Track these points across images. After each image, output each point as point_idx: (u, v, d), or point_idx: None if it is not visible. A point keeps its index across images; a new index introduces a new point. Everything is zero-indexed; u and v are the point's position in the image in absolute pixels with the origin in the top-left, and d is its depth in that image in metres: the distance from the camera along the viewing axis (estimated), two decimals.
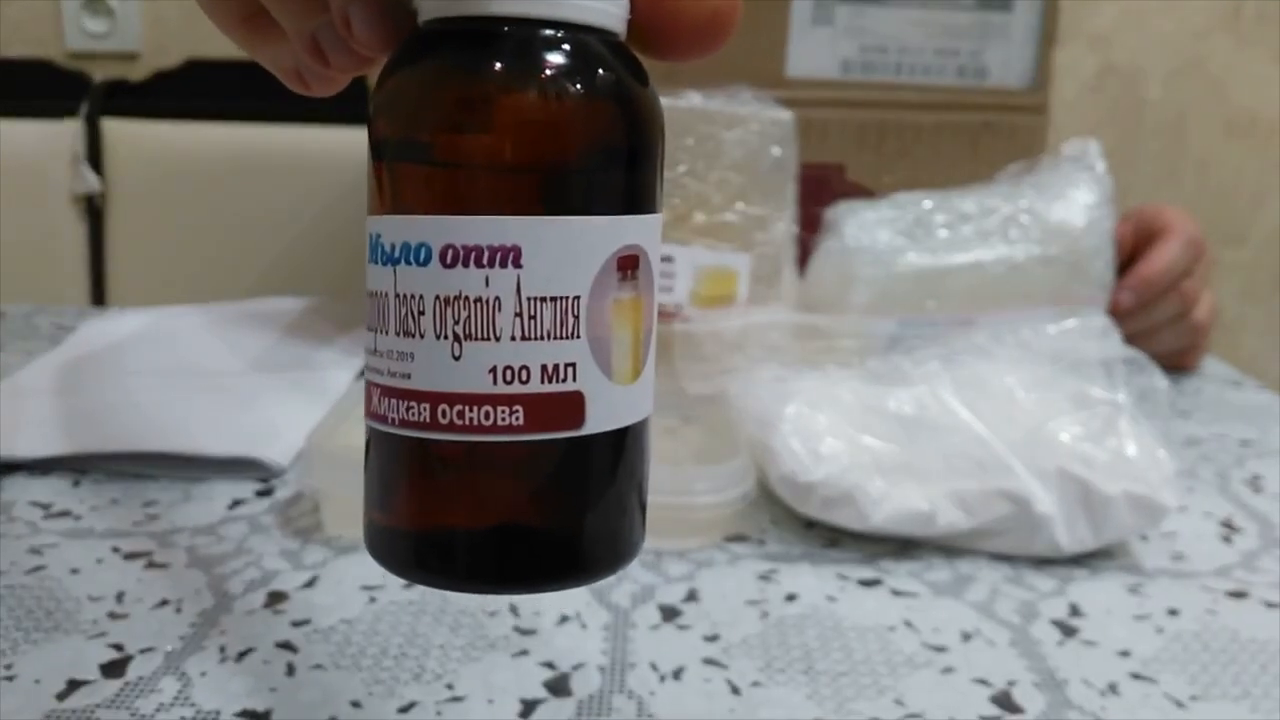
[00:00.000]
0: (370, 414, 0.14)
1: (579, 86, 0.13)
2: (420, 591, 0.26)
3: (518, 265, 0.13)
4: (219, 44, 0.70)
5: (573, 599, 0.26)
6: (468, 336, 0.13)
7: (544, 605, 0.25)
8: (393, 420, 0.13)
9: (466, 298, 0.13)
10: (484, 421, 0.13)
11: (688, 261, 0.36)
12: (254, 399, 0.37)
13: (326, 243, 0.63)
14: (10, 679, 0.22)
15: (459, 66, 0.13)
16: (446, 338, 0.13)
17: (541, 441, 0.13)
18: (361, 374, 0.40)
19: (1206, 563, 0.29)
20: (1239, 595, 0.27)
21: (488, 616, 0.25)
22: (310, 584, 0.26)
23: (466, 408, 0.13)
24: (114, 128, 0.64)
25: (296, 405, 0.36)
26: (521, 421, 0.13)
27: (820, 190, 0.40)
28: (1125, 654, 0.24)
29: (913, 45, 0.40)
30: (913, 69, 0.40)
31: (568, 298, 0.13)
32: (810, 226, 0.38)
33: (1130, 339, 0.32)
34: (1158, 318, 0.41)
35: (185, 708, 0.21)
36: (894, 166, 0.40)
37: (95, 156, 0.64)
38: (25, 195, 0.63)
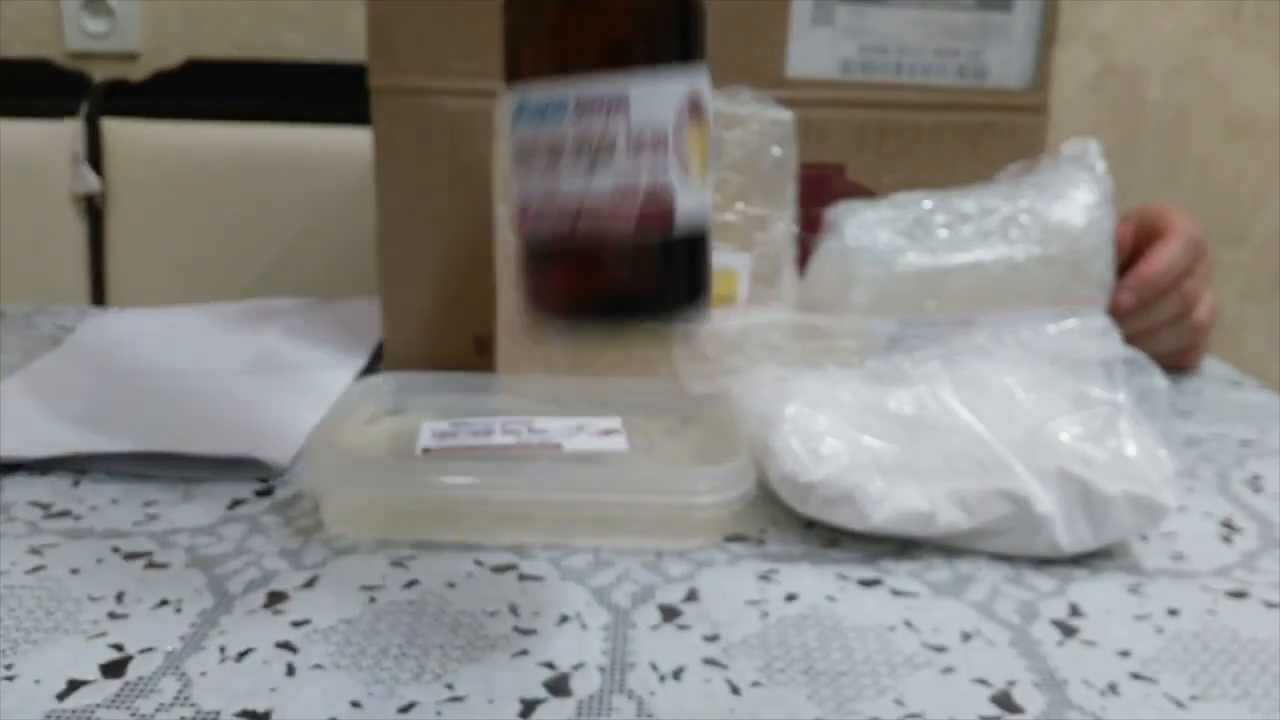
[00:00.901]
0: (530, 226, 0.20)
1: None
2: (420, 592, 0.26)
3: (628, 110, 0.19)
4: (219, 44, 0.71)
5: (573, 600, 0.26)
6: (596, 161, 0.19)
7: (544, 606, 0.25)
8: (544, 228, 0.20)
9: (588, 136, 0.19)
10: (611, 220, 0.19)
11: None
12: (254, 399, 0.37)
13: (326, 243, 0.63)
14: (10, 679, 0.22)
15: None
16: (585, 163, 0.19)
17: (650, 230, 0.19)
18: (361, 374, 0.40)
19: (1206, 563, 0.29)
20: (1239, 595, 0.27)
21: (487, 617, 0.25)
22: (310, 584, 0.26)
23: (598, 213, 0.19)
24: (114, 128, 0.64)
25: (296, 405, 0.36)
26: (633, 218, 0.19)
27: (820, 190, 0.40)
28: (1125, 654, 0.24)
29: (913, 45, 0.39)
30: (913, 69, 0.40)
31: (662, 128, 0.19)
32: (810, 226, 0.38)
33: (1130, 339, 0.32)
34: (1158, 318, 0.41)
35: (185, 708, 0.21)
36: (894, 166, 0.40)
37: (95, 156, 0.64)
38: (25, 195, 0.63)
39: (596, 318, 0.21)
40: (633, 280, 0.20)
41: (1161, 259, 0.40)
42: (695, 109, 0.19)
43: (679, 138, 0.19)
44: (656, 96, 0.19)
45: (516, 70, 0.19)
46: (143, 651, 0.23)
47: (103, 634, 0.24)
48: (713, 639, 0.24)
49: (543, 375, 0.37)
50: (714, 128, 0.20)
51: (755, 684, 0.23)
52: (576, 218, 0.19)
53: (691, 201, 0.19)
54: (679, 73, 0.19)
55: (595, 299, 0.20)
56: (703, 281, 0.21)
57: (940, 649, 0.24)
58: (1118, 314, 0.38)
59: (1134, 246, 0.42)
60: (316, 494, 0.28)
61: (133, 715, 0.21)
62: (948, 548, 0.29)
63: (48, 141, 0.63)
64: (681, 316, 0.21)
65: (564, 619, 0.25)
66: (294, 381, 0.39)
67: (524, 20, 0.19)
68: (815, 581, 0.27)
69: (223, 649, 0.23)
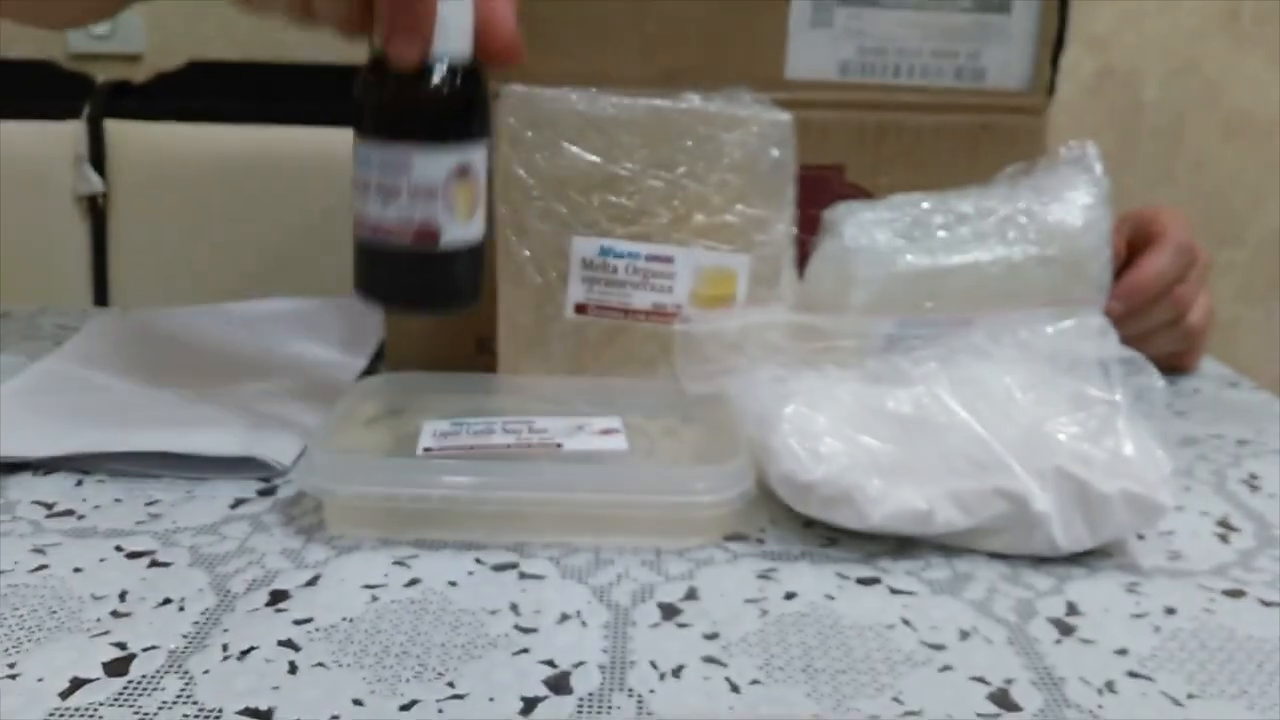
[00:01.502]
0: (355, 230, 0.30)
1: (444, 89, 0.28)
2: (422, 590, 0.26)
3: (410, 169, 0.28)
4: (220, 46, 0.71)
5: (573, 598, 0.26)
6: (389, 199, 0.28)
7: (545, 604, 0.26)
8: (361, 235, 0.30)
9: (386, 183, 0.28)
10: (397, 237, 0.29)
11: (688, 262, 0.36)
12: (256, 399, 0.37)
13: (327, 243, 0.63)
14: (14, 677, 0.22)
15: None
16: (382, 199, 0.29)
17: (420, 249, 0.29)
18: (362, 375, 0.41)
19: (1203, 562, 0.29)
20: (1236, 594, 0.27)
21: (488, 615, 0.25)
22: (312, 583, 0.26)
23: (386, 230, 0.29)
24: (116, 129, 0.64)
25: (298, 405, 0.36)
26: (409, 240, 0.29)
27: (819, 192, 0.40)
28: (1122, 652, 0.24)
29: (911, 47, 0.40)
30: (911, 71, 0.40)
31: (434, 184, 0.28)
32: (809, 228, 0.38)
33: (1126, 343, 0.32)
34: (1150, 324, 0.41)
35: (188, 706, 0.21)
36: (892, 168, 0.40)
37: (98, 157, 0.64)
38: (28, 196, 0.63)
39: (392, 300, 0.30)
40: (411, 278, 0.30)
41: (1151, 267, 0.41)
42: (463, 173, 0.28)
43: (447, 191, 0.28)
44: (430, 163, 0.28)
45: (355, 126, 0.29)
46: (145, 650, 0.23)
47: (106, 632, 0.24)
48: (712, 637, 0.24)
49: (543, 376, 0.37)
50: (482, 185, 0.29)
51: (755, 682, 0.23)
52: (377, 232, 0.29)
53: (457, 233, 0.29)
54: (450, 148, 0.28)
55: (389, 287, 0.30)
56: (463, 286, 0.30)
57: (938, 647, 0.24)
58: (1110, 320, 0.38)
59: (1127, 251, 0.42)
60: (318, 494, 0.28)
61: (136, 713, 0.21)
62: (946, 546, 0.29)
63: (51, 142, 0.63)
64: (448, 308, 0.30)
65: (564, 617, 0.25)
66: (295, 381, 0.39)
67: (357, 97, 0.29)
68: (814, 580, 0.27)
69: (225, 647, 0.23)
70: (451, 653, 0.23)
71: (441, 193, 0.28)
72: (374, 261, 0.30)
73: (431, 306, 0.31)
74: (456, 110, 0.29)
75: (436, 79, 0.28)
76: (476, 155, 0.29)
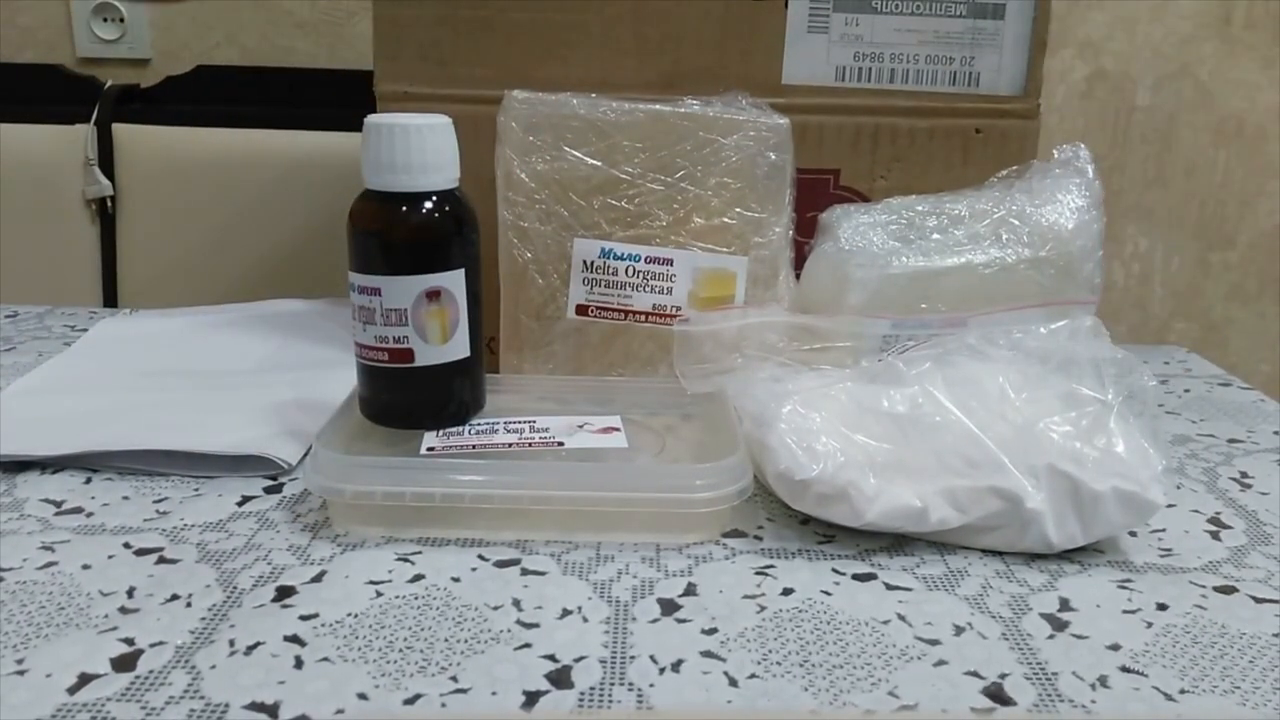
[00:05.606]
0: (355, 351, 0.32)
1: (413, 221, 0.30)
2: (425, 586, 0.27)
3: (380, 295, 0.30)
4: (228, 51, 0.72)
5: (574, 594, 0.26)
6: (367, 323, 0.30)
7: (546, 600, 0.26)
8: (355, 352, 0.31)
9: (364, 306, 0.30)
10: (376, 356, 0.31)
11: (686, 264, 0.37)
12: (262, 398, 0.38)
13: (333, 245, 0.64)
14: (22, 673, 0.22)
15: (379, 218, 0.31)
16: (360, 321, 0.30)
17: (396, 366, 0.30)
18: None
19: (1195, 558, 0.29)
20: (1227, 590, 0.27)
21: (491, 611, 0.25)
22: (318, 579, 0.27)
23: (367, 349, 0.31)
24: (125, 132, 0.65)
25: (304, 404, 0.37)
26: (387, 357, 0.30)
27: (816, 195, 0.40)
28: (1115, 648, 0.25)
29: (906, 52, 0.40)
30: (906, 76, 0.41)
31: (402, 308, 0.30)
32: (806, 230, 0.38)
33: None
34: None
35: (195, 700, 0.22)
36: (888, 171, 0.41)
37: (106, 161, 0.64)
38: (38, 198, 0.64)
39: (379, 415, 0.31)
40: (392, 394, 0.31)
41: None
42: (433, 297, 0.29)
43: (416, 315, 0.30)
44: (397, 290, 0.29)
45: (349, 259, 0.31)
46: (153, 645, 0.24)
47: (114, 629, 0.24)
48: (711, 632, 0.25)
49: (544, 375, 0.37)
50: (460, 307, 0.30)
51: (753, 676, 0.23)
52: (361, 351, 0.31)
53: (430, 354, 0.30)
54: (417, 277, 0.29)
55: (376, 404, 0.31)
56: (444, 402, 0.31)
57: (933, 642, 0.25)
58: None
59: None
60: (324, 494, 0.29)
61: (143, 708, 0.21)
62: (940, 543, 0.29)
63: (60, 146, 0.64)
64: (428, 424, 0.31)
65: (566, 613, 0.25)
66: (301, 381, 0.40)
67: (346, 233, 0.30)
68: (811, 576, 0.27)
69: (232, 643, 0.24)
70: (455, 647, 0.24)
71: (410, 316, 0.29)
72: (362, 380, 0.31)
73: (418, 422, 0.31)
74: (423, 243, 0.29)
75: (406, 211, 0.29)
76: (450, 280, 0.30)
